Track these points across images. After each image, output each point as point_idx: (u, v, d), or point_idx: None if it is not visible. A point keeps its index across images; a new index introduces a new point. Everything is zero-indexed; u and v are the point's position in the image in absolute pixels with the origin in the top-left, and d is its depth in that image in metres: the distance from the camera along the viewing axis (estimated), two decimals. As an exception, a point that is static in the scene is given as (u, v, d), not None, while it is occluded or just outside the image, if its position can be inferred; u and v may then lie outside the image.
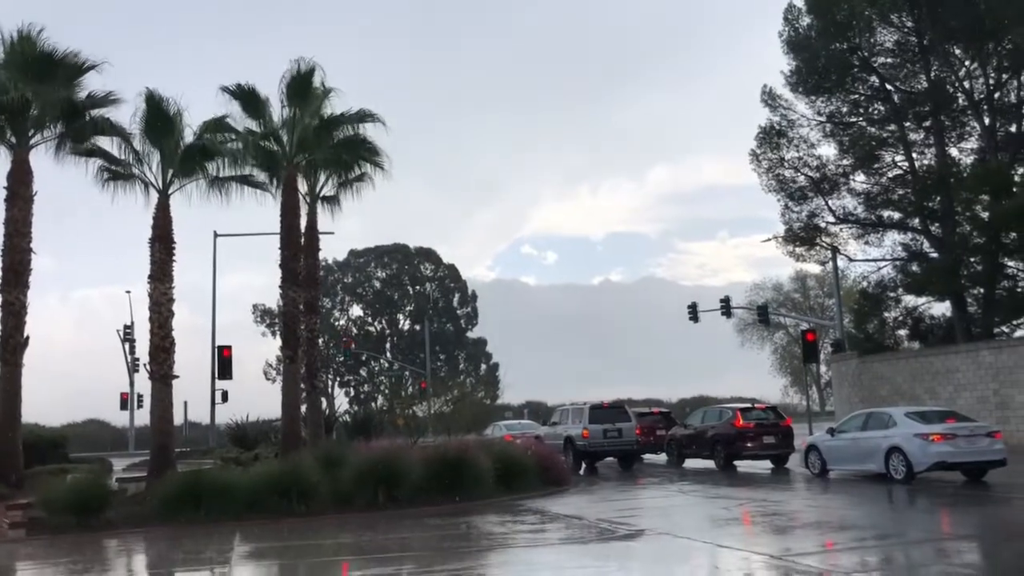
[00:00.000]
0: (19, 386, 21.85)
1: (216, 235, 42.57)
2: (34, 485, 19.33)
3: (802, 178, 39.60)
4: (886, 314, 39.75)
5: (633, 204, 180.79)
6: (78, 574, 11.42)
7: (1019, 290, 36.82)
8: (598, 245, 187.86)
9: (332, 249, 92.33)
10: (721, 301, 46.08)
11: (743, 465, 24.88)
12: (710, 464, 25.34)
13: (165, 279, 19.51)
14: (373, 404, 74.52)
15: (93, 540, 13.81)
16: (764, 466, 24.47)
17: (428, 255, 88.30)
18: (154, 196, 20.22)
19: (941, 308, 39.21)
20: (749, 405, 27.34)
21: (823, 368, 62.16)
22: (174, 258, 19.78)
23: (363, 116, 23.50)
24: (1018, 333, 36.06)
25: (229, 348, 38.21)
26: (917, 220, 38.29)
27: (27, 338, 22.17)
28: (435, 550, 12.02)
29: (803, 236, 40.10)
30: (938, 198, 36.71)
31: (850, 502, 16.04)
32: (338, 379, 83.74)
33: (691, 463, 26.51)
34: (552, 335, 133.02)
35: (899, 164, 38.70)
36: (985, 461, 18.00)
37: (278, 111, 22.94)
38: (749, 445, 24.18)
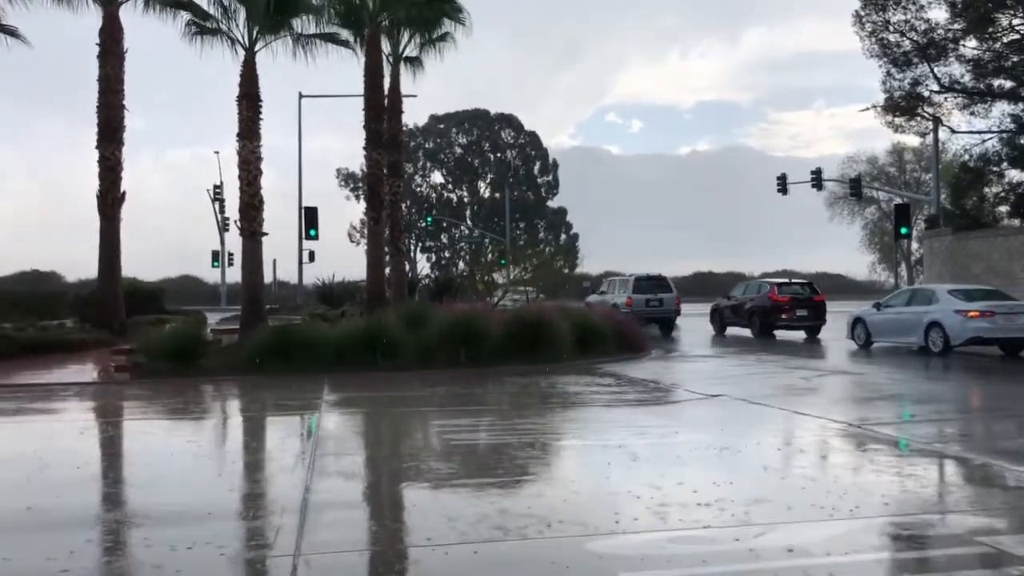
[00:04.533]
0: (118, 240, 22.85)
1: (301, 96, 42.80)
2: (134, 333, 20.51)
3: (907, 43, 37.28)
4: (987, 189, 37.98)
5: (725, 70, 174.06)
6: (181, 413, 12.20)
7: None
8: (686, 114, 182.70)
9: (413, 114, 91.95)
10: (812, 173, 44.60)
11: (786, 336, 26.11)
12: (792, 335, 26.14)
13: (253, 137, 19.77)
14: (454, 269, 75.65)
15: (192, 384, 14.64)
16: (813, 338, 25.64)
17: (509, 121, 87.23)
18: (240, 53, 20.27)
19: (1047, 184, 37.27)
20: (787, 280, 29.49)
21: (914, 245, 60.28)
22: (261, 116, 19.97)
23: (445, -28, 22.91)
24: None
25: (315, 209, 38.93)
26: (1030, 89, 35.95)
27: (123, 193, 23.00)
28: (514, 405, 12.39)
29: (904, 105, 38.09)
30: (1055, 65, 34.29)
31: (914, 375, 15.85)
32: (420, 244, 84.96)
33: (733, 331, 28.00)
34: (635, 205, 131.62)
35: (1016, 28, 36.04)
36: (1021, 338, 18.96)
37: (362, -33, 22.51)
38: (783, 317, 26.09)
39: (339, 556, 5.00)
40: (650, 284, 30.24)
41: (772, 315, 26.14)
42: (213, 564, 4.85)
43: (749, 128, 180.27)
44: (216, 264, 60.74)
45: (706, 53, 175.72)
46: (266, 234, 20.00)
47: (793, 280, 30.02)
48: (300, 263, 43.63)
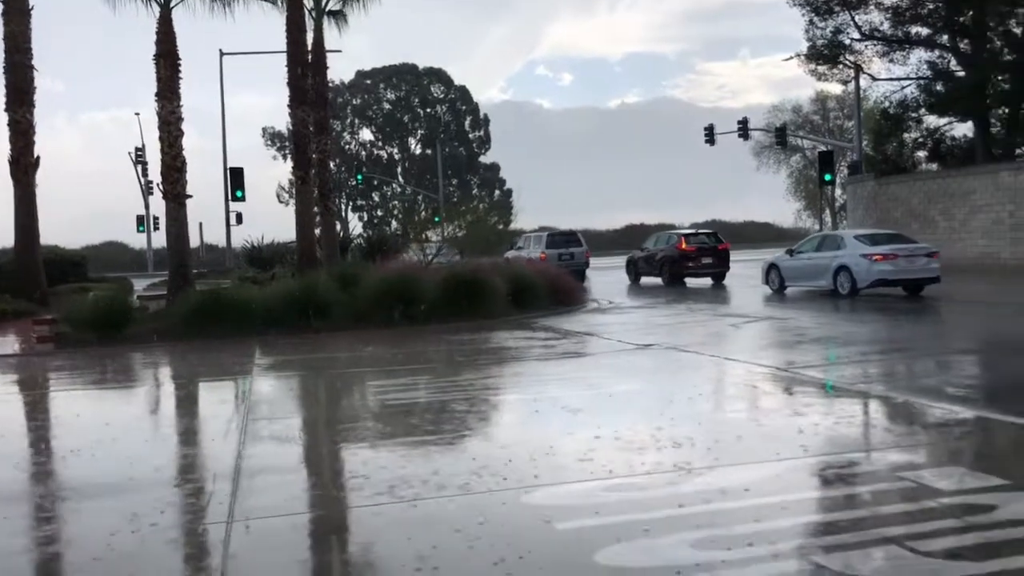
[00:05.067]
0: (34, 206, 22.02)
1: (222, 53, 41.56)
2: (57, 303, 19.87)
3: (829, -10, 37.82)
4: (906, 135, 39.01)
5: (652, 21, 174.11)
6: (108, 382, 11.90)
7: (1046, 110, 35.91)
8: (615, 66, 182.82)
9: (340, 70, 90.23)
10: (739, 123, 45.12)
11: (709, 284, 27.10)
12: (702, 283, 27.88)
13: (172, 97, 19.13)
14: (387, 228, 74.90)
15: (119, 353, 14.28)
16: (738, 284, 26.39)
17: (438, 76, 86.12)
18: (156, 9, 19.51)
19: (963, 129, 38.45)
20: (693, 231, 30.88)
21: (838, 191, 61.61)
22: (180, 75, 19.31)
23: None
24: (1040, 154, 35.46)
25: (241, 169, 38.03)
26: (946, 36, 36.81)
27: (38, 158, 22.12)
28: (450, 362, 12.38)
29: (826, 54, 38.75)
30: (970, 12, 35.07)
31: (835, 318, 16.30)
32: (351, 203, 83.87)
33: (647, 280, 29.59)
34: (567, 159, 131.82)
35: (932, -25, 36.78)
36: (922, 279, 19.99)
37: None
38: (691, 265, 27.67)
39: (275, 520, 4.94)
40: (562, 239, 32.81)
41: (680, 264, 27.64)
42: (143, 534, 4.75)
43: (677, 80, 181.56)
44: (141, 229, 59.15)
45: (633, 5, 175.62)
46: (190, 196, 19.48)
47: (699, 231, 31.35)
48: (228, 225, 42.73)
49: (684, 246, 27.92)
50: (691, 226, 55.43)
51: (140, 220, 59.02)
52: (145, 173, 56.55)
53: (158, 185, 20.27)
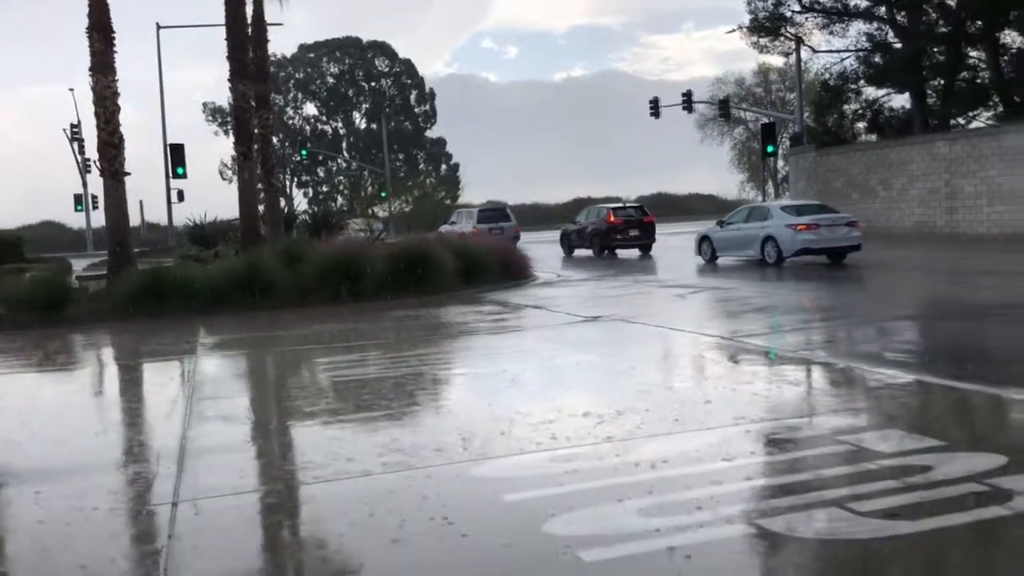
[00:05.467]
0: (-35, 186, 21.22)
1: (159, 26, 40.51)
2: (-8, 284, 19.27)
3: (770, -37, 38.14)
4: (846, 107, 39.68)
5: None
6: (47, 364, 11.61)
7: (979, 81, 36.75)
8: (560, 39, 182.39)
9: (282, 44, 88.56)
10: (683, 96, 45.39)
11: (656, 257, 27.60)
12: (637, 254, 29.08)
13: (107, 71, 18.56)
14: (332, 204, 74.14)
15: (58, 334, 13.95)
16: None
17: (382, 49, 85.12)
18: (86, -20, 18.86)
19: (901, 100, 39.23)
20: (622, 204, 32.11)
21: (781, 163, 62.51)
22: (115, 49, 18.73)
23: None
24: (974, 125, 36.33)
25: (181, 146, 37.23)
26: (883, 9, 37.40)
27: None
28: (399, 338, 12.33)
29: (768, 26, 39.16)
30: (907, -16, 35.70)
31: (774, 287, 16.61)
32: (296, 179, 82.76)
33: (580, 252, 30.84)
34: (515, 133, 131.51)
35: (870, -52, 37.30)
36: (843, 247, 20.86)
37: None
38: (619, 237, 29.10)
39: (222, 499, 4.89)
40: (492, 214, 34.42)
41: (609, 236, 29.10)
42: (86, 516, 4.67)
43: (622, 52, 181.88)
44: (80, 208, 57.68)
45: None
46: (128, 174, 18.98)
47: (627, 204, 32.73)
48: (169, 203, 41.87)
49: (612, 219, 29.30)
50: (637, 199, 55.92)
51: (78, 199, 57.50)
52: (82, 150, 55.05)
53: (95, 162, 19.72)
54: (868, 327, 11.14)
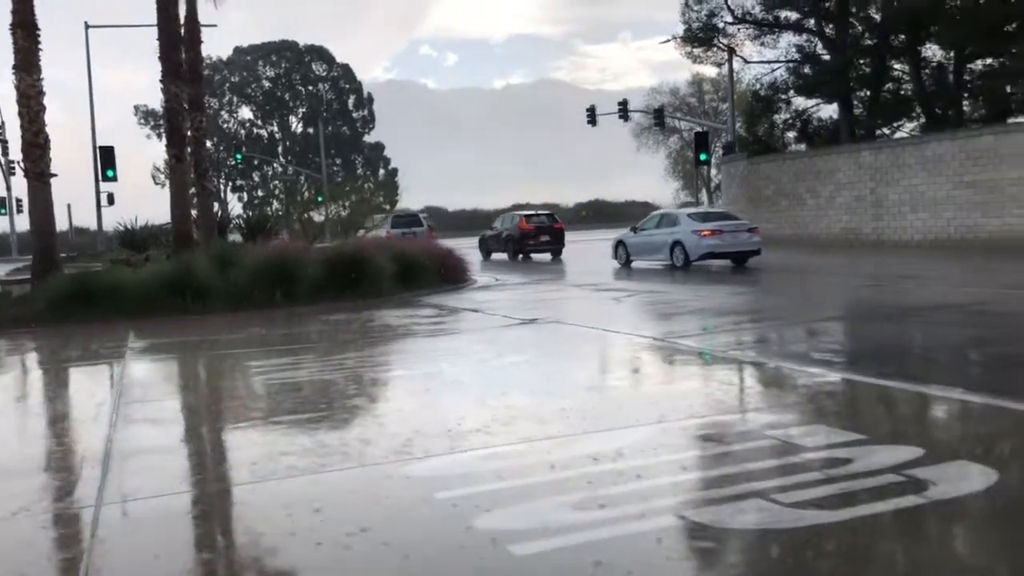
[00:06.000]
0: None
1: (88, 25, 39.50)
2: (-91, 289, 18.55)
3: (704, -26, 38.87)
4: (776, 116, 40.61)
5: (536, 3, 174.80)
6: (-35, 372, 11.22)
7: (903, 92, 37.98)
8: (499, 47, 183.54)
9: (218, 46, 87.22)
10: (619, 104, 45.97)
11: (588, 263, 27.85)
12: (545, 257, 31.19)
13: (32, 70, 18.05)
14: (268, 209, 73.07)
15: (-22, 340, 13.48)
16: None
17: (320, 53, 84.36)
18: (9, -24, 18.33)
19: (829, 110, 40.30)
20: (534, 212, 34.76)
21: (714, 171, 63.62)
22: (40, 47, 18.23)
23: None
24: (899, 135, 37.51)
25: (111, 148, 36.36)
26: (812, 21, 38.40)
27: None
28: (334, 341, 12.22)
29: (701, 37, 39.90)
30: (835, -2, 36.72)
31: (710, 292, 16.93)
32: (231, 183, 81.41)
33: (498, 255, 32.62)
34: (454, 139, 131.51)
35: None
36: (744, 251, 22.32)
37: None
38: (531, 242, 31.14)
39: (147, 502, 4.79)
40: (406, 220, 36.74)
41: (522, 242, 31.16)
42: (7, 521, 4.53)
43: (561, 61, 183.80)
44: (3, 212, 55.85)
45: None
46: (55, 175, 18.48)
47: (539, 212, 35.29)
48: (99, 207, 40.77)
49: (525, 226, 31.41)
50: (575, 205, 56.63)
51: (2, 202, 55.71)
52: (5, 152, 53.38)
53: (19, 163, 19.16)
54: (796, 328, 11.42)
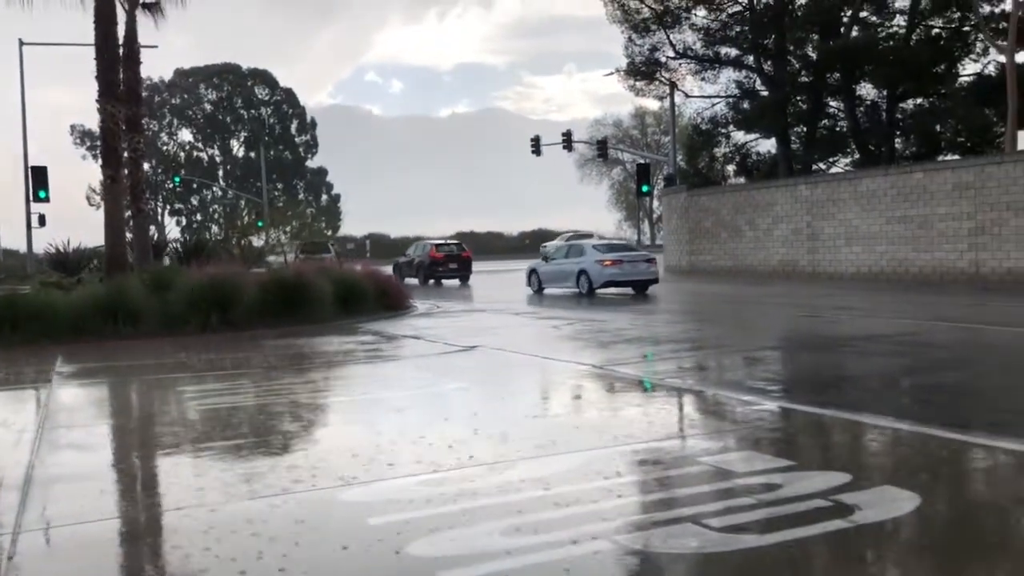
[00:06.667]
0: None
1: (22, 43, 38.66)
2: None
3: (646, 10, 39.64)
4: (716, 150, 41.41)
5: (482, 33, 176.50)
6: None
7: (838, 129, 39.10)
8: (445, 76, 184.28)
9: (158, 68, 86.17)
10: (563, 135, 46.49)
11: (517, 291, 27.44)
12: (454, 283, 33.01)
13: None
14: (207, 233, 71.96)
15: None
16: (464, 284, 32.66)
17: (263, 77, 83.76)
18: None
19: (767, 145, 41.21)
20: (443, 241, 37.42)
21: (655, 203, 64.59)
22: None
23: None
24: (834, 170, 38.53)
25: (44, 168, 35.49)
26: (752, 58, 39.37)
27: None
28: (271, 367, 12.03)
29: (644, 70, 40.59)
30: (773, 36, 37.73)
31: (647, 320, 17.12)
32: (169, 207, 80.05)
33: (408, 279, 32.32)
34: (398, 166, 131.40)
35: (740, 0, 39.30)
36: (643, 280, 23.91)
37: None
38: (440, 269, 33.45)
39: (67, 528, 4.63)
40: (315, 246, 40.37)
41: (432, 268, 33.44)
42: (-85, 551, 4.34)
43: (506, 91, 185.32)
44: (-74, 232, 54.00)
45: (463, 16, 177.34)
46: (-17, 194, 17.98)
47: (448, 241, 37.89)
48: (29, 228, 39.65)
49: (435, 254, 33.81)
50: (518, 234, 57.03)
51: (-74, 222, 53.96)
52: (-68, 170, 51.75)
53: (-55, 181, 18.56)
54: (734, 357, 11.58)
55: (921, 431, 6.42)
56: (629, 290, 24.04)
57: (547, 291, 25.61)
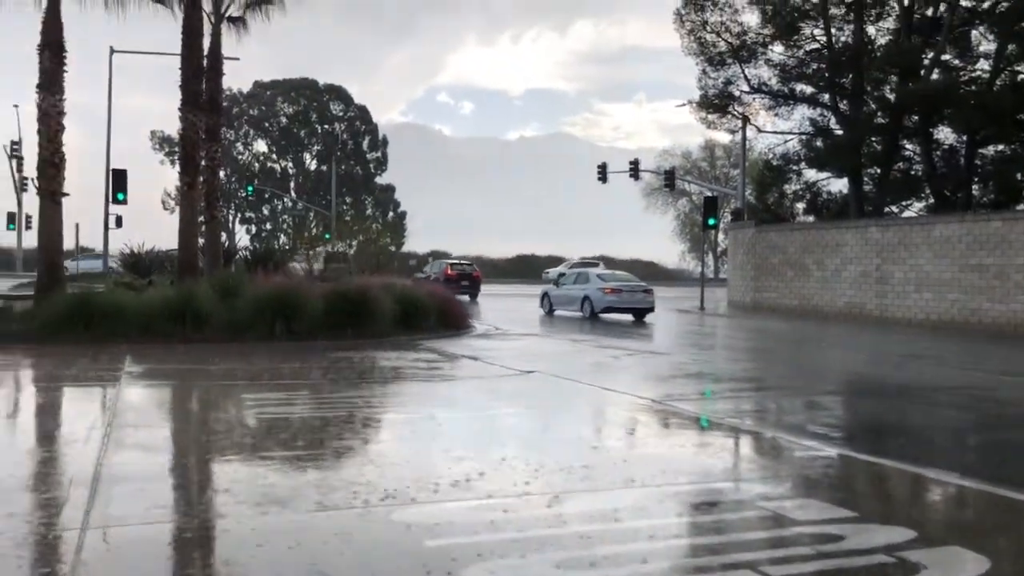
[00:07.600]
0: None
1: (113, 51, 40.06)
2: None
3: (722, 43, 39.41)
4: (787, 186, 40.83)
5: (554, 59, 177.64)
6: (-40, 384, 11.19)
7: (913, 172, 38.26)
8: (516, 99, 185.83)
9: (238, 79, 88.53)
10: (631, 163, 46.35)
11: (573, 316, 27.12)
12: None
13: (55, 89, 18.29)
14: (275, 242, 73.40)
15: (-24, 353, 13.46)
16: (473, 300, 35.19)
17: (338, 93, 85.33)
18: (43, -1, 18.67)
19: (839, 184, 40.50)
20: (457, 261, 42.21)
21: (721, 236, 63.89)
22: (65, 68, 18.49)
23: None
24: (907, 214, 37.70)
25: (124, 171, 36.60)
26: (827, 96, 38.81)
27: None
28: (331, 380, 12.18)
29: (717, 103, 40.29)
30: (850, 75, 37.16)
31: (705, 356, 16.87)
32: (240, 215, 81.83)
33: None
34: (464, 186, 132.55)
35: (817, 38, 38.83)
36: (640, 308, 26.53)
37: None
38: (452, 285, 34.17)
39: (132, 529, 4.75)
40: (334, 257, 43.03)
41: (445, 284, 34.31)
42: (-12, 540, 4.49)
43: (575, 117, 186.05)
44: (12, 227, 56.13)
45: (536, 41, 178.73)
46: (67, 195, 18.61)
47: (461, 261, 42.70)
48: (106, 229, 40.84)
49: (449, 272, 38.05)
50: (579, 259, 57.00)
51: (11, 217, 56.05)
52: (20, 168, 53.82)
53: (33, 181, 19.31)
54: (795, 399, 11.37)
55: (989, 490, 6.21)
56: (628, 316, 26.39)
57: (557, 313, 28.09)
